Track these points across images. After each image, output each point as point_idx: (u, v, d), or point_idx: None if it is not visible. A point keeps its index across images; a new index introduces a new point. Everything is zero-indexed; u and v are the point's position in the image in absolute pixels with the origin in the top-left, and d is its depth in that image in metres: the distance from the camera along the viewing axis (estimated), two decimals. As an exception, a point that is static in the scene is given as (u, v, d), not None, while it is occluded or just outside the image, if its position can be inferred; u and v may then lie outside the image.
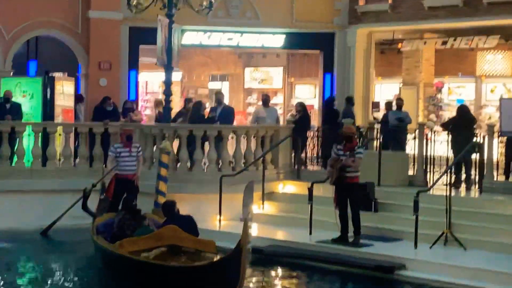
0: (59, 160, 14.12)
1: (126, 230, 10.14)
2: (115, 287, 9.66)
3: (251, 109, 20.78)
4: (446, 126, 13.49)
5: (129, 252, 9.16)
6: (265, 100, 15.07)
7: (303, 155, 14.81)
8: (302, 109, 15.30)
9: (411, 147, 14.06)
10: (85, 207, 11.57)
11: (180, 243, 9.32)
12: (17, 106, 14.35)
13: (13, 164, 13.75)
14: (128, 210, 10.53)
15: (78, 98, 16.32)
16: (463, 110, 13.46)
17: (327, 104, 15.58)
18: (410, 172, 13.48)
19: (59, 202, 13.08)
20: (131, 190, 11.84)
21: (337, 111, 15.30)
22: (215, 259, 8.84)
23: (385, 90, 21.00)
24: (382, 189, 12.61)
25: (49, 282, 9.86)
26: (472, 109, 18.48)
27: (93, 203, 11.71)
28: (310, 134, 15.03)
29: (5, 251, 11.66)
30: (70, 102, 16.21)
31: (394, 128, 14.36)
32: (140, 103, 20.34)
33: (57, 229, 12.77)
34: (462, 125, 12.88)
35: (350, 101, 15.54)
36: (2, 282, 9.68)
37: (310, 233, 11.80)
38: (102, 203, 11.67)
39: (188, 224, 9.81)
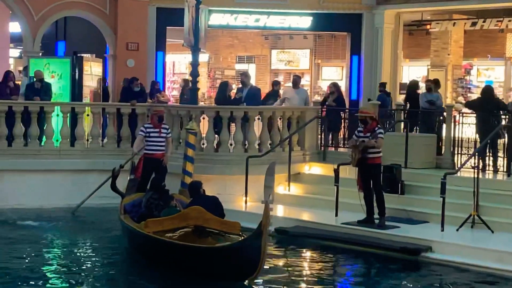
0: (87, 140, 14.22)
1: (154, 210, 10.20)
2: (142, 267, 9.73)
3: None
4: (469, 105, 13.39)
5: (154, 232, 9.22)
6: (295, 81, 14.98)
7: (339, 136, 14.68)
8: (336, 89, 15.08)
9: (438, 129, 13.93)
10: (114, 187, 11.65)
11: (205, 224, 9.34)
12: (48, 86, 14.47)
13: (42, 144, 13.88)
14: (156, 190, 10.59)
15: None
16: (485, 91, 13.29)
17: (411, 88, 15.19)
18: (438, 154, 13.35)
19: (87, 182, 13.22)
20: (160, 170, 11.88)
21: (420, 95, 15.10)
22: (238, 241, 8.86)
23: (413, 72, 20.85)
24: (409, 171, 12.52)
25: (77, 260, 9.96)
26: (501, 91, 18.32)
27: (121, 183, 11.79)
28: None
29: (33, 229, 11.79)
30: (98, 83, 16.30)
31: (425, 111, 14.23)
32: (167, 84, 20.38)
33: (85, 209, 12.90)
34: (484, 106, 12.73)
35: (438, 84, 15.13)
36: (30, 260, 9.81)
37: (336, 214, 11.79)
38: (130, 183, 11.74)
39: (214, 205, 9.83)
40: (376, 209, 11.18)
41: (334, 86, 15.20)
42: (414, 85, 15.34)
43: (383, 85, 16.33)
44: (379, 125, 11.28)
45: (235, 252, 8.39)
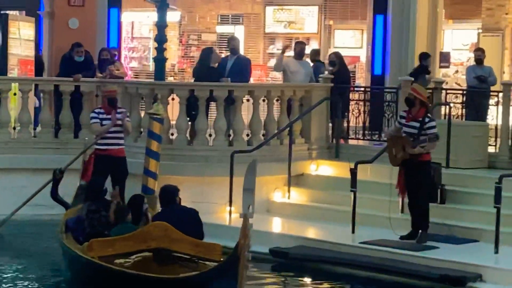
0: (14, 128, 14.18)
1: (97, 226, 10.14)
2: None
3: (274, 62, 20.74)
4: None
5: (100, 257, 9.18)
6: (300, 50, 15.02)
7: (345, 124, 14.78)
8: (339, 61, 15.25)
9: (492, 115, 13.98)
10: (55, 195, 11.61)
11: (172, 247, 9.31)
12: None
13: (-49, 134, 13.87)
14: (94, 198, 10.46)
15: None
16: None
17: None
18: (491, 150, 13.41)
19: (13, 185, 13.21)
20: (117, 172, 11.90)
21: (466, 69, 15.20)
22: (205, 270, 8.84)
23: (458, 37, 20.87)
24: (452, 172, 12.57)
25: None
26: None
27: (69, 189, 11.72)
28: (354, 96, 14.96)
29: None
30: (29, 50, 16.25)
31: (473, 90, 14.26)
32: (124, 53, 20.32)
33: (12, 222, 12.80)
34: None
35: None
36: None
37: (353, 231, 11.82)
38: (79, 190, 11.65)
39: (190, 221, 9.76)
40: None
41: (336, 56, 15.44)
42: None
43: (316, 52, 16.52)
44: (429, 115, 11.32)
45: (201, 285, 8.36)
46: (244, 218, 7.91)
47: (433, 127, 11.23)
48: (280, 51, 15.59)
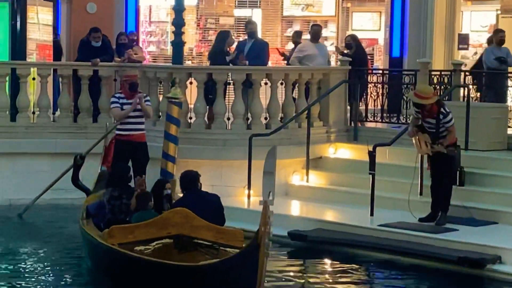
0: (33, 113, 14.24)
1: (118, 213, 10.14)
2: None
3: (292, 46, 20.69)
4: None
5: (120, 244, 9.18)
6: (316, 33, 15.00)
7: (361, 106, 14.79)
8: (355, 43, 15.28)
9: (511, 97, 13.95)
10: (76, 181, 11.63)
11: (192, 233, 9.25)
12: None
13: (-29, 119, 13.95)
14: (117, 184, 10.45)
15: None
16: None
17: None
18: (510, 132, 13.37)
19: (34, 169, 13.31)
20: (138, 158, 11.91)
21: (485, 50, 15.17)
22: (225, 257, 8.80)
23: (476, 19, 20.76)
24: (471, 154, 12.56)
25: (20, 281, 9.90)
26: None
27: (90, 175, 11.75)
28: (372, 79, 14.94)
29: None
30: (47, 35, 16.29)
31: (492, 71, 14.20)
32: (142, 37, 20.32)
33: (31, 206, 12.88)
34: None
35: None
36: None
37: (371, 213, 11.82)
38: (101, 176, 11.69)
39: (211, 207, 9.73)
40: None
41: (352, 39, 15.54)
42: None
43: (298, 34, 16.67)
44: (443, 109, 11.22)
45: (221, 273, 8.33)
46: (264, 205, 7.82)
47: (450, 120, 11.20)
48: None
